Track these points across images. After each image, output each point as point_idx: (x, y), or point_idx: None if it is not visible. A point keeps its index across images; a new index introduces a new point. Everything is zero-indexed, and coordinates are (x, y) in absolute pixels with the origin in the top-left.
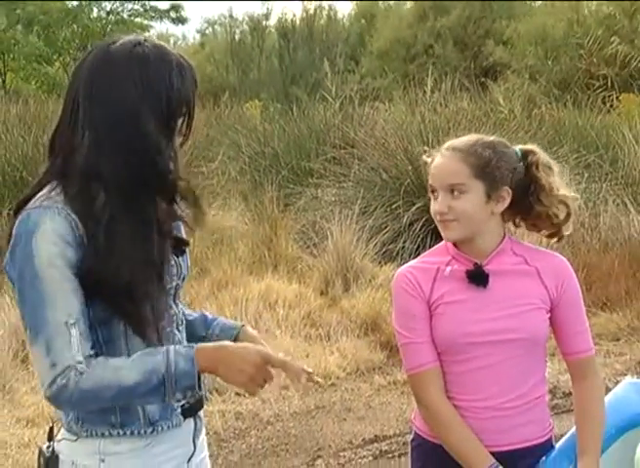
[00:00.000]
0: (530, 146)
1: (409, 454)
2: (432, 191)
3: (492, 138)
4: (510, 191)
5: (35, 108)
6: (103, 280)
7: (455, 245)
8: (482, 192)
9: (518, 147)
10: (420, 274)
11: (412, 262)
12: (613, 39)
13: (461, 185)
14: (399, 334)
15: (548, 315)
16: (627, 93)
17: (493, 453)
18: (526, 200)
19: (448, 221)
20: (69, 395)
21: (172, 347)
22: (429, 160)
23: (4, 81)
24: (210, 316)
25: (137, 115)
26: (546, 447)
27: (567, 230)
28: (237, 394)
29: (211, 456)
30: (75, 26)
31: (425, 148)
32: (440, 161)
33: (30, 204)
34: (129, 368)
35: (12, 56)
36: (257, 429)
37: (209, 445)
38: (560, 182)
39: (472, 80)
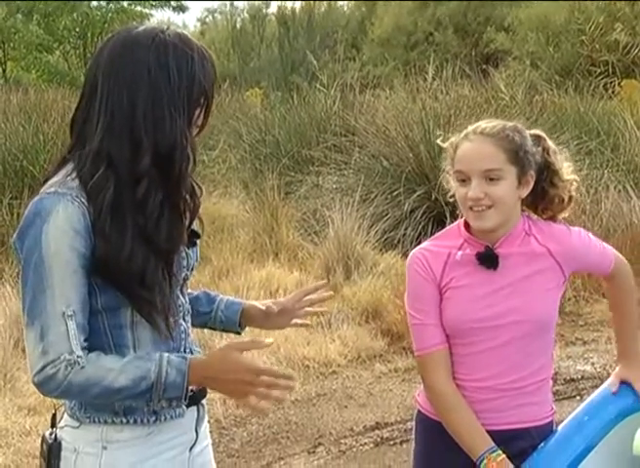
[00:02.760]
0: (537, 131)
1: (412, 429)
2: (462, 179)
3: (514, 124)
4: (534, 175)
5: (35, 97)
6: (117, 267)
7: (467, 228)
8: (515, 177)
9: (530, 132)
10: (432, 257)
11: (425, 244)
12: (615, 25)
13: (498, 171)
14: (410, 316)
15: (562, 288)
16: (629, 79)
17: (489, 432)
18: (539, 185)
19: (482, 209)
20: (56, 385)
21: (165, 356)
22: (447, 145)
23: (4, 70)
24: (213, 293)
25: (154, 103)
26: (545, 430)
27: (566, 212)
28: None
29: (212, 444)
30: (75, 15)
31: (440, 132)
32: (471, 146)
33: (45, 187)
34: (119, 370)
35: (12, 44)
36: (258, 417)
37: (210, 432)
38: (566, 166)
39: (473, 67)
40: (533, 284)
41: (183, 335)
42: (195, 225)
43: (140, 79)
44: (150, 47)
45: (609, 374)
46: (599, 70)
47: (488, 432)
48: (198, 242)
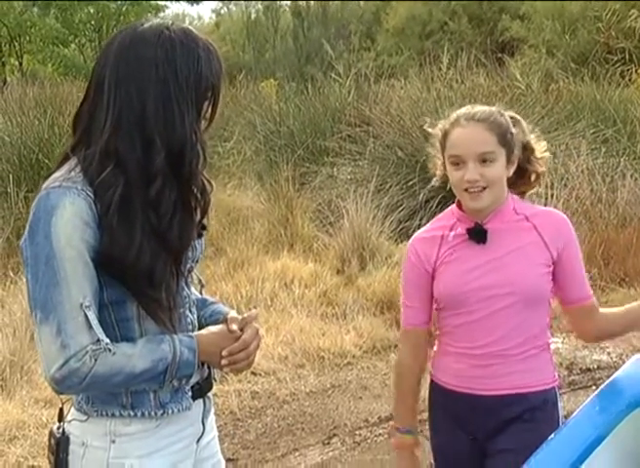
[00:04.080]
0: (512, 113)
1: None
2: (456, 163)
3: (496, 108)
4: (518, 154)
5: (51, 91)
6: (123, 265)
7: (460, 207)
8: (504, 158)
9: (507, 114)
10: (426, 243)
11: (422, 229)
12: (631, 12)
13: (492, 153)
14: (401, 294)
15: (550, 269)
16: None
17: (484, 397)
18: (519, 163)
19: (478, 190)
20: (81, 378)
21: (176, 336)
22: (436, 131)
23: (21, 64)
24: (210, 299)
25: (164, 100)
26: (545, 397)
27: (533, 188)
28: (253, 373)
29: (227, 436)
30: (90, 8)
31: (426, 119)
32: (465, 131)
33: (49, 182)
34: (138, 355)
35: (28, 38)
36: (272, 408)
37: (225, 424)
38: (541, 145)
39: (489, 56)
40: (519, 257)
41: (190, 327)
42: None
43: (148, 76)
44: (157, 44)
45: (624, 364)
46: (615, 58)
47: (483, 397)
48: (204, 233)
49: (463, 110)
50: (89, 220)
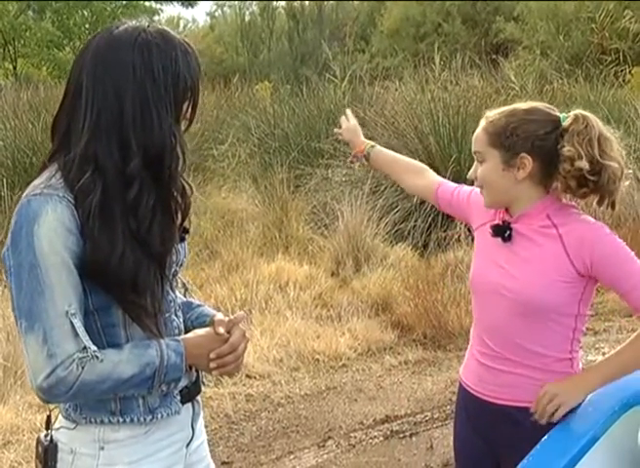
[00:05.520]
0: (580, 113)
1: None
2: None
3: (526, 106)
4: (530, 158)
5: (45, 94)
6: (106, 272)
7: None
8: (498, 160)
9: (565, 113)
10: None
11: None
12: (625, 13)
13: (479, 153)
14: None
15: (571, 282)
16: None
17: (486, 403)
18: (555, 168)
19: (479, 188)
20: (68, 387)
21: (162, 341)
22: None
23: (15, 67)
24: (195, 302)
25: (142, 104)
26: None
27: (613, 196)
28: (247, 376)
29: (221, 439)
30: (85, 11)
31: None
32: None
33: (30, 189)
34: (126, 361)
35: (22, 42)
36: (267, 411)
37: (220, 427)
38: (609, 149)
39: (483, 57)
40: (530, 263)
41: (177, 331)
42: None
43: (126, 80)
44: (133, 47)
45: None
46: (609, 58)
47: (485, 403)
48: (187, 237)
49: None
50: (71, 227)
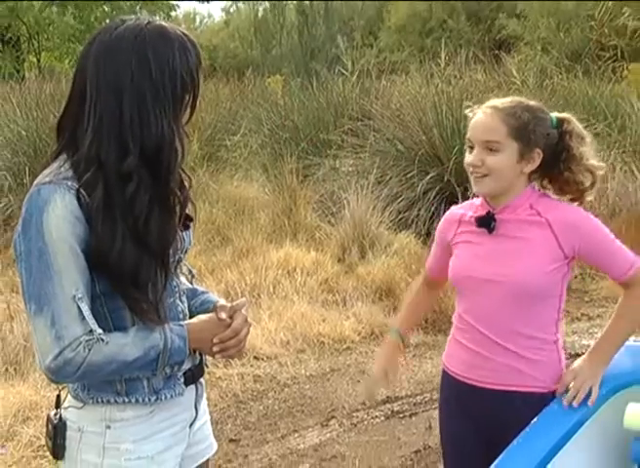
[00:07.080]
0: (565, 115)
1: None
2: (470, 146)
3: (532, 103)
4: (541, 154)
5: (66, 86)
6: (108, 265)
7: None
8: (515, 152)
9: (554, 114)
10: (449, 218)
11: (457, 205)
12: (624, 10)
13: (497, 143)
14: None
15: (560, 265)
16: (637, 63)
17: (476, 388)
18: (557, 165)
19: (479, 175)
20: (75, 368)
21: (167, 325)
22: (471, 115)
23: (39, 60)
24: (200, 289)
25: (137, 103)
26: (530, 399)
27: (589, 196)
28: (255, 358)
29: (230, 417)
30: (105, 7)
31: (469, 104)
32: (480, 117)
33: (40, 178)
34: (131, 344)
35: (46, 35)
36: (274, 391)
37: (228, 406)
38: (590, 152)
39: (486, 53)
40: (522, 250)
41: (181, 316)
42: (189, 209)
43: (124, 83)
44: (131, 48)
45: None
46: (608, 54)
47: (475, 388)
48: (191, 224)
49: (498, 99)
50: (79, 215)
